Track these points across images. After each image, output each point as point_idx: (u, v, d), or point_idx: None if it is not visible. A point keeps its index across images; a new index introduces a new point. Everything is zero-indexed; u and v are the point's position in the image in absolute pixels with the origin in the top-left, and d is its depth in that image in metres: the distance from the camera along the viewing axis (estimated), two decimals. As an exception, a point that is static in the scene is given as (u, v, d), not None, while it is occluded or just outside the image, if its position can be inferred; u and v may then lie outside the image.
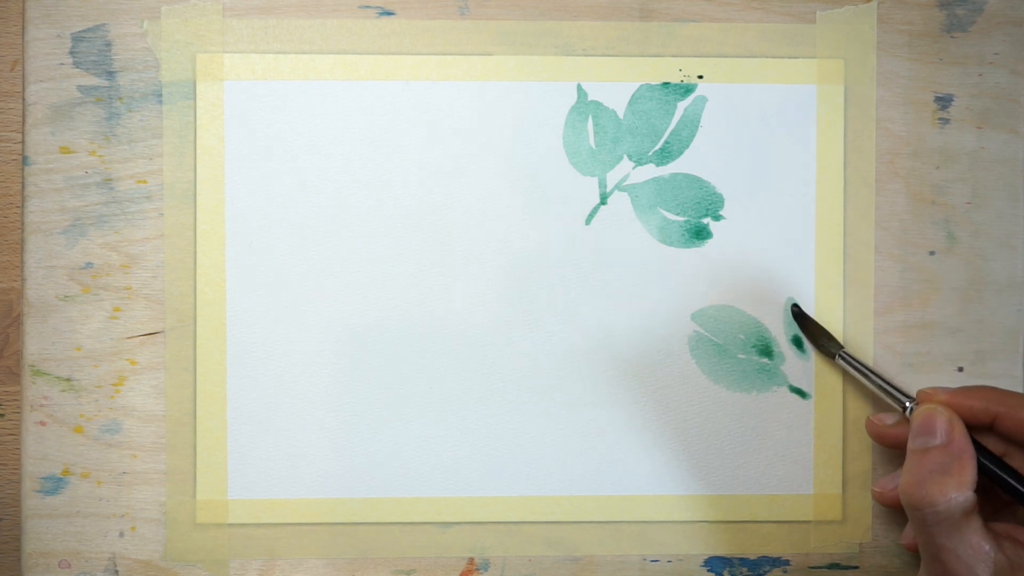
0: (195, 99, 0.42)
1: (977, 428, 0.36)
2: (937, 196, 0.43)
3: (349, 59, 0.42)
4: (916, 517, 0.35)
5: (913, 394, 0.38)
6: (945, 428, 0.35)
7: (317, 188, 0.42)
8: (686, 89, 0.42)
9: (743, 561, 0.42)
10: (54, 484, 0.41)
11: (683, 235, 0.42)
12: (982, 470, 0.35)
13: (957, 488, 0.34)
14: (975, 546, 0.33)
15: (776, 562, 0.42)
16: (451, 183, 0.42)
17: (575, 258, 0.42)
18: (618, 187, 0.42)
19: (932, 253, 0.43)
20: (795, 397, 0.42)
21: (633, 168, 0.42)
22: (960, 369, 0.43)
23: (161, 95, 0.42)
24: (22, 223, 0.41)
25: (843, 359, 0.40)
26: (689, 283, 0.42)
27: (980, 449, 0.35)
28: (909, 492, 0.34)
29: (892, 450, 0.41)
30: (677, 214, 0.42)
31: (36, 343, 0.41)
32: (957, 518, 0.34)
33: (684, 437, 0.42)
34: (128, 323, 0.42)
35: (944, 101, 0.43)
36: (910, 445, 0.36)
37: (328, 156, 0.42)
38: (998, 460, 0.35)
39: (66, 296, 0.41)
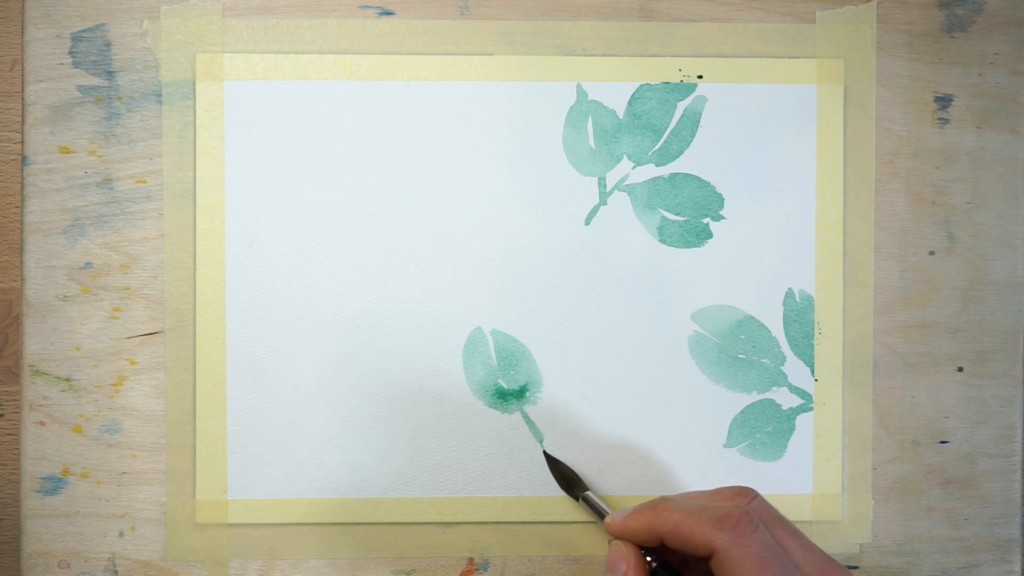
0: (195, 99, 0.41)
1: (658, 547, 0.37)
2: (937, 196, 0.43)
3: (349, 59, 0.42)
4: None
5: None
6: (621, 564, 0.36)
7: (317, 188, 0.42)
8: (686, 89, 0.42)
9: (743, 561, 0.42)
10: (54, 484, 0.41)
11: (683, 235, 0.42)
12: None
13: None
14: None
15: (776, 562, 0.42)
16: (451, 183, 0.42)
17: (575, 258, 0.42)
18: (618, 187, 0.42)
19: (932, 253, 0.43)
20: (795, 397, 0.42)
21: (633, 168, 0.42)
22: (960, 369, 0.43)
23: (161, 95, 0.42)
24: (22, 223, 0.41)
25: (585, 500, 0.41)
26: (689, 283, 0.42)
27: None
28: None
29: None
30: (677, 214, 0.42)
31: (36, 343, 0.41)
32: None
33: (684, 437, 0.42)
34: (128, 323, 0.42)
35: (944, 101, 0.43)
36: None
37: (328, 156, 0.42)
38: None
39: (66, 296, 0.41)
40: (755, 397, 0.42)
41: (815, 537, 0.42)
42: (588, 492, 0.41)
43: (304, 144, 0.42)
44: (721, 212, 0.42)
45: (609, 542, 0.38)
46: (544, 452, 0.42)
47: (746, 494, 0.36)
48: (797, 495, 0.42)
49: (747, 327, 0.42)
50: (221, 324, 0.42)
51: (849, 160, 0.42)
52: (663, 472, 0.42)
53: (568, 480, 0.41)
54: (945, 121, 0.43)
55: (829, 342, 0.42)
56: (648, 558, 0.37)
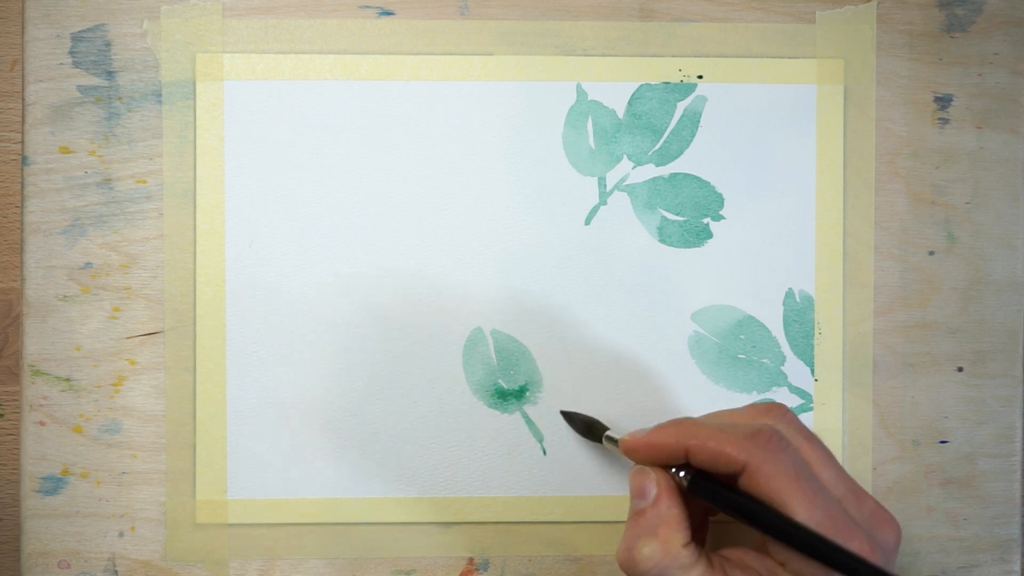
0: (195, 99, 0.41)
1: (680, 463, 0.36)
2: (937, 196, 0.43)
3: (349, 59, 0.42)
4: None
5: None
6: (652, 488, 0.35)
7: (317, 188, 0.42)
8: (686, 89, 0.42)
9: (743, 561, 0.42)
10: (54, 484, 0.41)
11: (683, 235, 0.42)
12: (725, 509, 0.34)
13: (663, 550, 0.33)
14: None
15: (776, 562, 0.42)
16: (451, 183, 0.42)
17: (575, 258, 0.42)
18: (618, 187, 0.42)
19: (932, 253, 0.43)
20: (795, 397, 0.42)
21: (633, 168, 0.42)
22: (960, 369, 0.43)
23: (161, 95, 0.41)
24: (22, 223, 0.41)
25: (608, 440, 0.39)
26: (689, 283, 0.42)
27: (712, 490, 0.34)
28: (620, 558, 0.34)
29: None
30: (677, 214, 0.42)
31: (36, 343, 0.41)
32: None
33: (684, 437, 0.42)
34: (128, 323, 0.42)
35: (944, 101, 0.43)
36: (629, 509, 0.35)
37: (328, 156, 0.42)
38: (730, 494, 0.34)
39: (66, 296, 0.41)
40: (755, 397, 0.42)
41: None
42: (608, 431, 0.39)
43: (304, 144, 0.42)
44: (721, 212, 0.42)
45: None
46: (560, 412, 0.42)
47: (778, 409, 0.34)
48: (797, 495, 0.42)
49: (747, 327, 0.42)
50: (221, 324, 0.42)
51: (849, 160, 0.42)
52: (663, 472, 0.42)
53: (588, 425, 0.41)
54: (945, 121, 0.43)
55: (829, 342, 0.42)
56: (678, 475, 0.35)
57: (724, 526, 0.40)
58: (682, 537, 0.34)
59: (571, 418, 0.42)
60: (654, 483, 0.35)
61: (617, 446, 0.37)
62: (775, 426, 0.34)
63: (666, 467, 0.35)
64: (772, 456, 0.32)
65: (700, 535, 0.37)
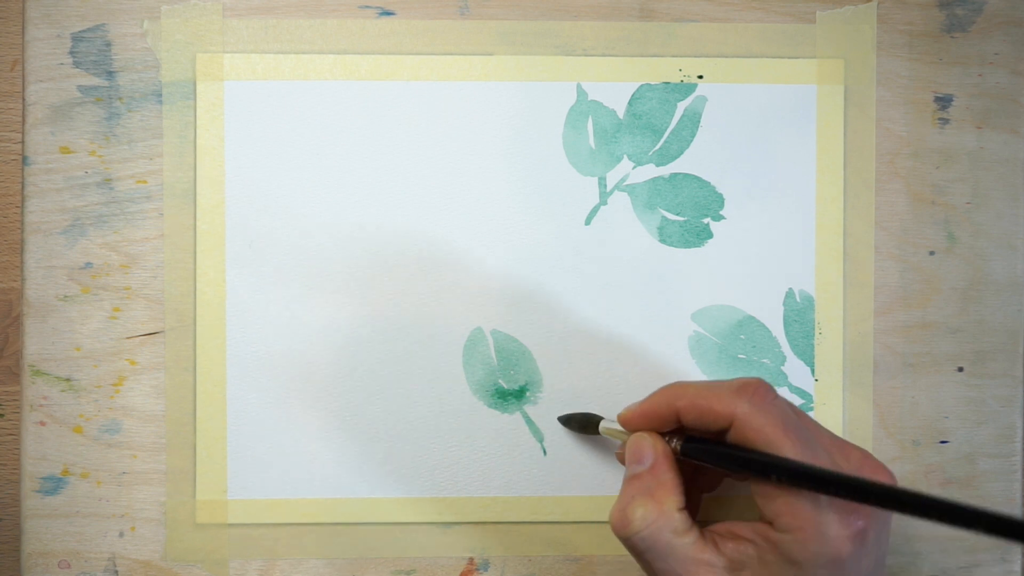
0: (195, 99, 0.41)
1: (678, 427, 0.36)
2: (937, 196, 0.43)
3: (349, 59, 0.42)
4: (628, 546, 0.34)
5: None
6: (650, 453, 0.35)
7: (317, 188, 0.42)
8: (686, 89, 0.42)
9: (743, 561, 0.42)
10: (54, 484, 0.41)
11: (683, 235, 0.42)
12: (719, 464, 0.34)
13: (657, 511, 0.34)
14: (692, 560, 0.33)
15: (776, 562, 0.42)
16: (451, 183, 0.42)
17: (575, 258, 0.42)
18: (618, 187, 0.42)
19: (932, 253, 0.43)
20: (795, 397, 0.42)
21: (633, 168, 0.42)
22: (960, 369, 0.43)
23: (161, 95, 0.42)
24: (22, 223, 0.41)
25: (604, 430, 0.39)
26: (689, 283, 0.42)
27: (704, 449, 0.35)
28: (613, 519, 0.34)
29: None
30: (677, 214, 0.42)
31: (36, 343, 0.41)
32: (667, 539, 0.33)
33: (684, 437, 0.42)
34: (128, 323, 0.42)
35: (944, 101, 0.43)
36: (626, 473, 0.36)
37: (328, 156, 0.42)
38: (721, 448, 0.34)
39: (66, 296, 0.41)
40: (755, 397, 0.42)
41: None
42: (603, 421, 0.39)
43: (304, 144, 0.42)
44: (721, 212, 0.42)
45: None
46: (557, 419, 0.42)
47: (757, 380, 0.35)
48: (797, 495, 0.42)
49: (747, 327, 0.42)
50: (221, 324, 0.42)
51: (849, 160, 0.42)
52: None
53: (585, 422, 0.41)
54: (945, 121, 0.43)
55: (829, 342, 0.42)
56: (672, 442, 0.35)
57: (715, 507, 0.40)
58: (677, 501, 0.34)
59: (568, 421, 0.42)
60: (651, 448, 0.35)
61: (615, 426, 0.38)
62: (762, 380, 0.34)
63: (662, 435, 0.36)
64: (759, 408, 0.33)
65: (692, 510, 0.37)
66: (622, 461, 0.38)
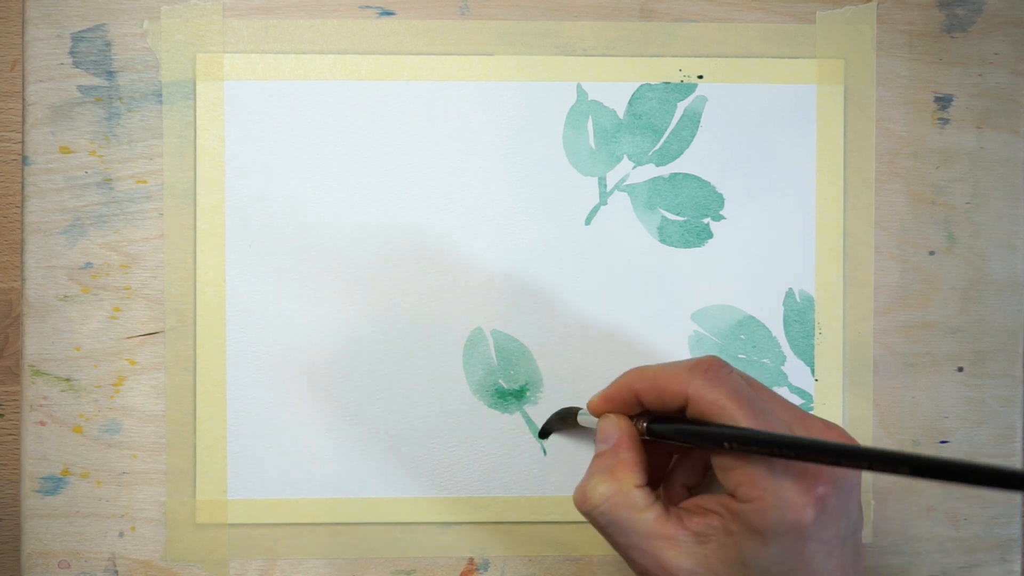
0: (195, 99, 0.41)
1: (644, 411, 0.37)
2: (937, 196, 0.43)
3: (349, 59, 0.42)
4: (591, 522, 0.35)
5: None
6: (613, 433, 0.36)
7: (317, 188, 0.42)
8: (686, 89, 0.42)
9: (743, 561, 0.42)
10: (54, 484, 0.41)
11: (683, 235, 0.42)
12: (680, 439, 0.35)
13: (615, 488, 0.34)
14: (653, 535, 0.34)
15: (776, 562, 0.42)
16: (451, 183, 0.42)
17: (575, 258, 0.42)
18: (618, 187, 0.42)
19: (932, 253, 0.43)
20: (795, 397, 0.42)
21: (633, 168, 0.42)
22: (960, 369, 0.43)
23: (161, 95, 0.42)
24: (22, 223, 0.41)
25: (581, 421, 0.40)
26: (689, 283, 0.42)
27: (665, 429, 0.35)
28: (575, 496, 0.35)
29: None
30: (677, 214, 0.42)
31: (36, 343, 0.41)
32: (625, 515, 0.34)
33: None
34: (128, 323, 0.42)
35: (944, 101, 0.43)
36: (594, 453, 0.37)
37: (328, 156, 0.42)
38: (681, 424, 0.35)
39: (66, 296, 0.41)
40: (755, 397, 0.42)
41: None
42: (579, 411, 0.40)
43: (304, 144, 0.42)
44: (721, 212, 0.42)
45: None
46: (538, 436, 0.42)
47: (711, 358, 0.35)
48: (797, 495, 0.42)
49: (747, 327, 0.42)
50: (221, 324, 0.42)
51: (849, 160, 0.42)
52: (663, 472, 0.42)
53: (563, 417, 0.41)
54: (945, 121, 0.43)
55: (829, 342, 0.42)
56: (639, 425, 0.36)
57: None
58: (635, 479, 0.35)
59: (548, 425, 0.42)
60: (615, 428, 0.36)
61: (587, 416, 0.39)
62: (719, 357, 0.35)
63: (633, 418, 0.36)
64: (712, 383, 0.33)
65: (674, 498, 0.38)
66: None
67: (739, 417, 0.32)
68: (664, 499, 0.36)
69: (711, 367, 0.34)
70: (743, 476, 0.32)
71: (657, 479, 0.38)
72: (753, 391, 0.34)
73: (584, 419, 0.39)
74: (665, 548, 0.33)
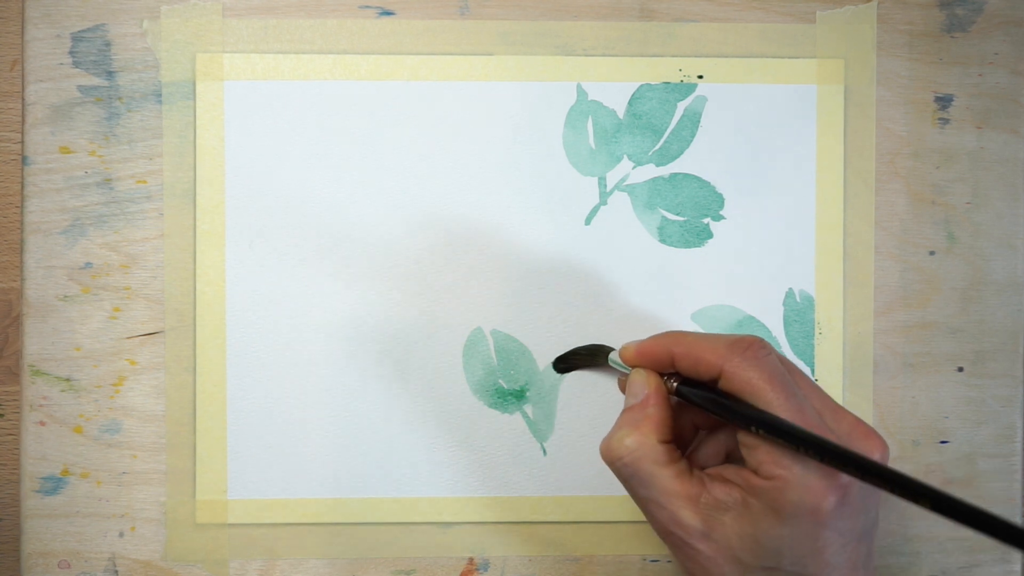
0: (195, 99, 0.41)
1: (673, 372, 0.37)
2: (937, 196, 0.43)
3: (349, 59, 0.42)
4: (615, 472, 0.36)
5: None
6: (643, 388, 0.36)
7: (317, 188, 0.42)
8: (686, 89, 0.42)
9: (743, 561, 0.42)
10: (54, 484, 0.41)
11: (683, 235, 0.42)
12: (707, 408, 0.35)
13: (639, 441, 0.35)
14: (671, 491, 0.34)
15: (776, 562, 0.42)
16: (451, 183, 0.42)
17: (575, 258, 0.42)
18: (618, 187, 0.42)
19: (932, 253, 0.43)
20: (795, 397, 0.42)
21: (633, 168, 0.42)
22: (960, 369, 0.43)
23: (161, 95, 0.41)
24: (22, 223, 0.41)
25: (612, 362, 0.40)
26: (689, 283, 0.42)
27: (693, 393, 0.35)
28: (601, 447, 0.36)
29: None
30: (677, 214, 0.42)
31: (36, 343, 0.41)
32: (648, 469, 0.34)
33: (684, 437, 0.42)
34: (128, 323, 0.42)
35: (944, 101, 0.43)
36: (624, 406, 0.37)
37: (328, 156, 0.42)
38: (709, 393, 0.35)
39: (66, 296, 0.41)
40: (755, 397, 0.42)
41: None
42: (612, 352, 0.40)
43: (304, 144, 0.42)
44: (721, 212, 0.42)
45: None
46: (556, 360, 0.42)
47: (753, 337, 0.35)
48: (797, 495, 0.42)
49: (747, 327, 0.42)
50: (221, 324, 0.42)
51: (849, 160, 0.42)
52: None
53: (595, 353, 0.41)
54: (945, 121, 0.43)
55: (829, 342, 0.42)
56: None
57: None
58: (660, 434, 0.35)
59: (573, 355, 0.41)
60: (645, 383, 0.36)
61: (619, 362, 0.39)
62: (760, 338, 0.35)
63: (662, 375, 0.37)
64: (750, 363, 0.33)
65: (690, 452, 0.38)
66: (622, 389, 0.39)
67: (772, 400, 0.32)
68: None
69: (752, 346, 0.34)
70: (766, 455, 0.33)
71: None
72: (789, 375, 0.34)
73: (615, 363, 0.39)
74: (683, 507, 0.34)
